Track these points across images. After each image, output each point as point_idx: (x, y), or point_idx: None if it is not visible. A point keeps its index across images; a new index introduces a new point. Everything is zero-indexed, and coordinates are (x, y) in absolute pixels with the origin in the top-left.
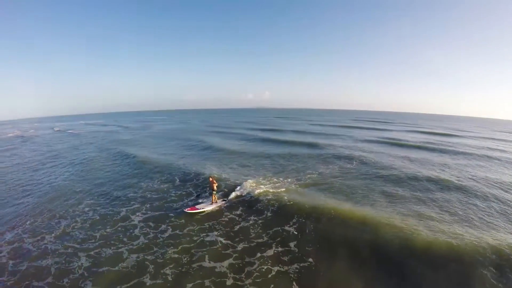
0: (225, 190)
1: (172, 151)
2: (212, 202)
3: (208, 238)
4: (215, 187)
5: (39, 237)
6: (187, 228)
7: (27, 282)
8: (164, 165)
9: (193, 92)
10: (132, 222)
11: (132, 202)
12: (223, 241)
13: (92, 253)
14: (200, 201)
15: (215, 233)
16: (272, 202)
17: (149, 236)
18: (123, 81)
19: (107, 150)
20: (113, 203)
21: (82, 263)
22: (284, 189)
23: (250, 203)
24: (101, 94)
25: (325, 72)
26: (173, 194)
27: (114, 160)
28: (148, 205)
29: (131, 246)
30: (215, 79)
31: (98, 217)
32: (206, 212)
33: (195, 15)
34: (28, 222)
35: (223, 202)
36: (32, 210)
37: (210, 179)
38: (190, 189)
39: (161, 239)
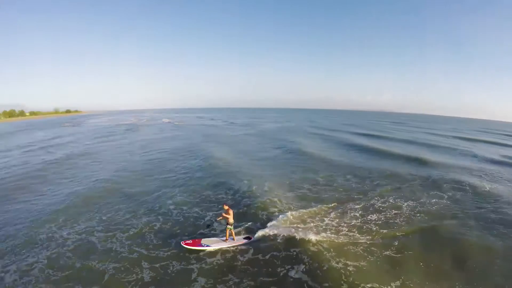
0: (259, 221)
1: (248, 152)
2: (227, 239)
3: None
4: (230, 220)
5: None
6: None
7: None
8: (220, 168)
9: (311, 90)
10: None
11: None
12: None
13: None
14: (209, 231)
15: None
16: (313, 263)
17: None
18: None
19: (186, 145)
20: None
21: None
22: (347, 240)
23: (283, 253)
24: (228, 90)
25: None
26: (192, 213)
27: (176, 157)
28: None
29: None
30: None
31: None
32: (210, 251)
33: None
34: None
35: (245, 240)
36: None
37: (225, 207)
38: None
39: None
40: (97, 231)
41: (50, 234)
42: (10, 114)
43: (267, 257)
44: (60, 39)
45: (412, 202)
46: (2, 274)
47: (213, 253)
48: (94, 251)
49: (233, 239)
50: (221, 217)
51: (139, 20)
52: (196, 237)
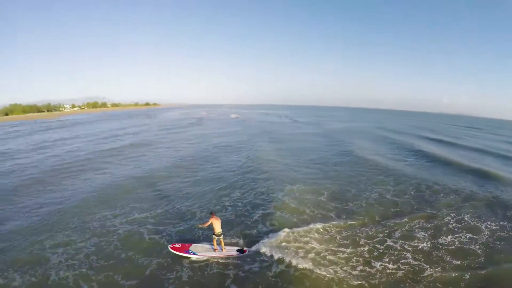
0: (257, 233)
1: (298, 153)
2: (216, 249)
3: None
4: (217, 230)
5: None
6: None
7: None
8: (259, 168)
9: (382, 90)
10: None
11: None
12: None
13: None
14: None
15: None
16: None
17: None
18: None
19: (238, 141)
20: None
21: None
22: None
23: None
24: (300, 88)
25: None
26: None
27: (221, 152)
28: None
29: None
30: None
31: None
32: (196, 259)
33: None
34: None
35: (237, 253)
36: None
37: (213, 216)
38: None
39: None
40: (149, 223)
41: (103, 222)
42: (94, 105)
43: (256, 279)
44: (143, 36)
45: (492, 224)
46: (49, 255)
47: (198, 262)
48: (141, 243)
49: (223, 249)
50: (201, 225)
51: (217, 17)
52: (185, 243)
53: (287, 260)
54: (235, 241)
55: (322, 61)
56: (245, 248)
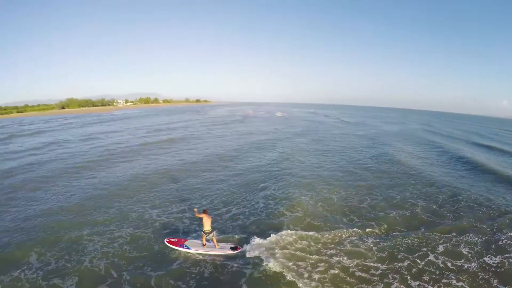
0: (259, 231)
1: (332, 156)
2: (204, 244)
3: None
4: (206, 227)
5: None
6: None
7: None
8: (285, 167)
9: (435, 91)
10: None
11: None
12: None
13: None
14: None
15: None
16: None
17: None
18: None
19: (274, 140)
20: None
21: None
22: None
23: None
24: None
25: None
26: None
27: (253, 150)
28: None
29: None
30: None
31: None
32: (186, 253)
33: None
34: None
35: (230, 251)
36: None
37: (204, 213)
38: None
39: None
40: (186, 217)
41: (141, 213)
42: (146, 101)
43: (242, 278)
44: (197, 34)
45: None
46: (86, 242)
47: (190, 256)
48: (175, 237)
49: (215, 246)
50: (196, 212)
51: (267, 14)
52: (180, 238)
53: (279, 266)
54: (238, 236)
55: (377, 60)
56: (238, 246)
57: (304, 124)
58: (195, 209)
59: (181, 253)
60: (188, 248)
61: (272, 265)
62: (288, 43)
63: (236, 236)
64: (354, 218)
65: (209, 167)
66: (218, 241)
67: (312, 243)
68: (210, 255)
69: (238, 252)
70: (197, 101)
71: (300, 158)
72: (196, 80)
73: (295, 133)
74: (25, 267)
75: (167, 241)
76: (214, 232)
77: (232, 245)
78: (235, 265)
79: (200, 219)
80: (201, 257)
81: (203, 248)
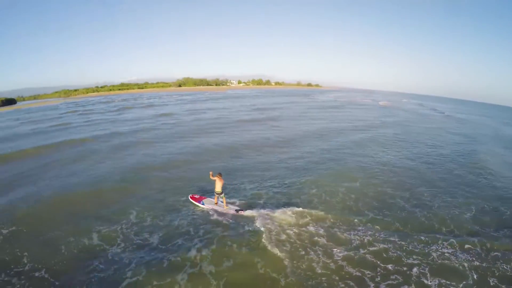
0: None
1: (406, 149)
2: (216, 203)
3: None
4: (217, 188)
5: None
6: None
7: None
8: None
9: None
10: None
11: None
12: None
13: None
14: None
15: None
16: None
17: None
18: None
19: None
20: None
21: None
22: None
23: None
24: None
25: None
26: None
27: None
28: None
29: None
30: None
31: None
32: (201, 209)
33: None
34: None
35: (234, 212)
36: None
37: (218, 176)
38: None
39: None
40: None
41: (200, 175)
42: (258, 82)
43: (237, 232)
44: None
45: None
46: (147, 235)
47: (204, 210)
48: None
49: (224, 206)
50: (211, 174)
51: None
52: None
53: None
54: (250, 201)
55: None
56: (241, 210)
57: (404, 115)
58: (211, 172)
59: (198, 207)
60: (203, 204)
61: (260, 228)
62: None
63: (249, 201)
64: (371, 212)
65: (269, 146)
66: (228, 203)
67: (311, 223)
68: (218, 212)
69: (241, 215)
70: (309, 85)
71: (369, 149)
72: (309, 64)
73: (388, 123)
74: (123, 222)
75: (190, 197)
76: (223, 194)
77: (238, 208)
78: (234, 223)
79: (214, 182)
80: (211, 212)
81: (214, 206)
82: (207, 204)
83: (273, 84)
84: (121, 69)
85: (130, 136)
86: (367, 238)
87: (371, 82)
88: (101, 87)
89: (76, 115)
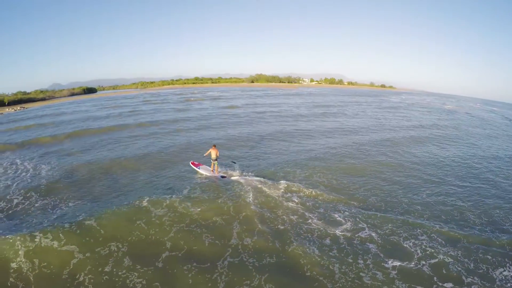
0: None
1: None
2: (212, 171)
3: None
4: (213, 156)
5: None
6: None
7: None
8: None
9: None
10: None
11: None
12: None
13: None
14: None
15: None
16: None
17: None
18: None
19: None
20: None
21: None
22: None
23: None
24: None
25: None
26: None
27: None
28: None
29: None
30: None
31: None
32: (200, 173)
33: None
34: None
35: (219, 176)
36: None
37: (213, 147)
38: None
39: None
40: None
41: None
42: (330, 81)
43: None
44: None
45: None
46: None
47: (201, 175)
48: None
49: (213, 171)
50: (206, 153)
51: None
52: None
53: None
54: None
55: None
56: (225, 176)
57: (467, 120)
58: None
59: (195, 172)
60: (199, 169)
61: (240, 191)
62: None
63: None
64: (353, 200)
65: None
66: (220, 171)
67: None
68: (210, 176)
69: (226, 179)
70: (382, 86)
71: (397, 147)
72: (384, 65)
73: (435, 125)
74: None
75: (191, 163)
76: (216, 161)
77: (223, 175)
78: (222, 184)
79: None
80: (204, 175)
81: (208, 171)
82: (202, 169)
83: (346, 83)
84: (196, 64)
85: (191, 122)
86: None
87: (453, 86)
88: (176, 80)
89: (147, 104)
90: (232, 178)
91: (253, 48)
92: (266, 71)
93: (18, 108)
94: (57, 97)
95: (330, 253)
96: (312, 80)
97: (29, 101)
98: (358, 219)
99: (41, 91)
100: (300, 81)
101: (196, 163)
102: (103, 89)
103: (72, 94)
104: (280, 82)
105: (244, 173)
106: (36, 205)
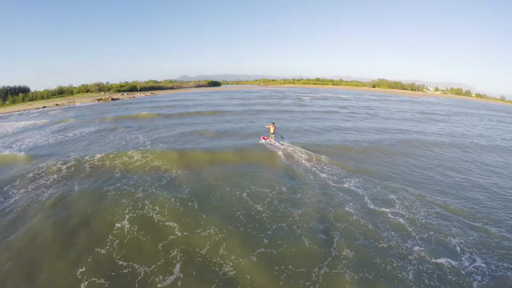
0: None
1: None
2: (270, 140)
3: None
4: (270, 130)
5: None
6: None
7: None
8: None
9: None
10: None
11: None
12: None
13: None
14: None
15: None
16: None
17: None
18: None
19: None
20: None
21: None
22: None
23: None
24: None
25: None
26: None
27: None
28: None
29: None
30: None
31: None
32: (264, 142)
33: None
34: None
35: (277, 144)
36: None
37: (272, 124)
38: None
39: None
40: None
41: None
42: (457, 92)
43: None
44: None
45: None
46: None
47: (264, 143)
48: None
49: (271, 142)
50: (268, 126)
51: None
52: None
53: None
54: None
55: None
56: (279, 142)
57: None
58: (266, 125)
59: (262, 142)
60: (265, 140)
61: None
62: None
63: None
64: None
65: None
66: (275, 140)
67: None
68: (269, 143)
69: (281, 145)
70: None
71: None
72: None
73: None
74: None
75: (262, 138)
76: (274, 134)
77: (281, 142)
78: (273, 148)
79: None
80: (267, 143)
81: (269, 141)
82: (265, 140)
83: (474, 96)
84: (317, 65)
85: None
86: None
87: None
88: (297, 80)
89: (261, 98)
90: (280, 145)
91: (374, 53)
92: (387, 76)
93: (148, 94)
94: (184, 87)
95: None
96: (437, 89)
97: (159, 89)
98: None
99: (170, 81)
100: (423, 90)
101: (265, 137)
102: (227, 83)
103: (198, 86)
104: (403, 89)
105: (287, 143)
106: None
